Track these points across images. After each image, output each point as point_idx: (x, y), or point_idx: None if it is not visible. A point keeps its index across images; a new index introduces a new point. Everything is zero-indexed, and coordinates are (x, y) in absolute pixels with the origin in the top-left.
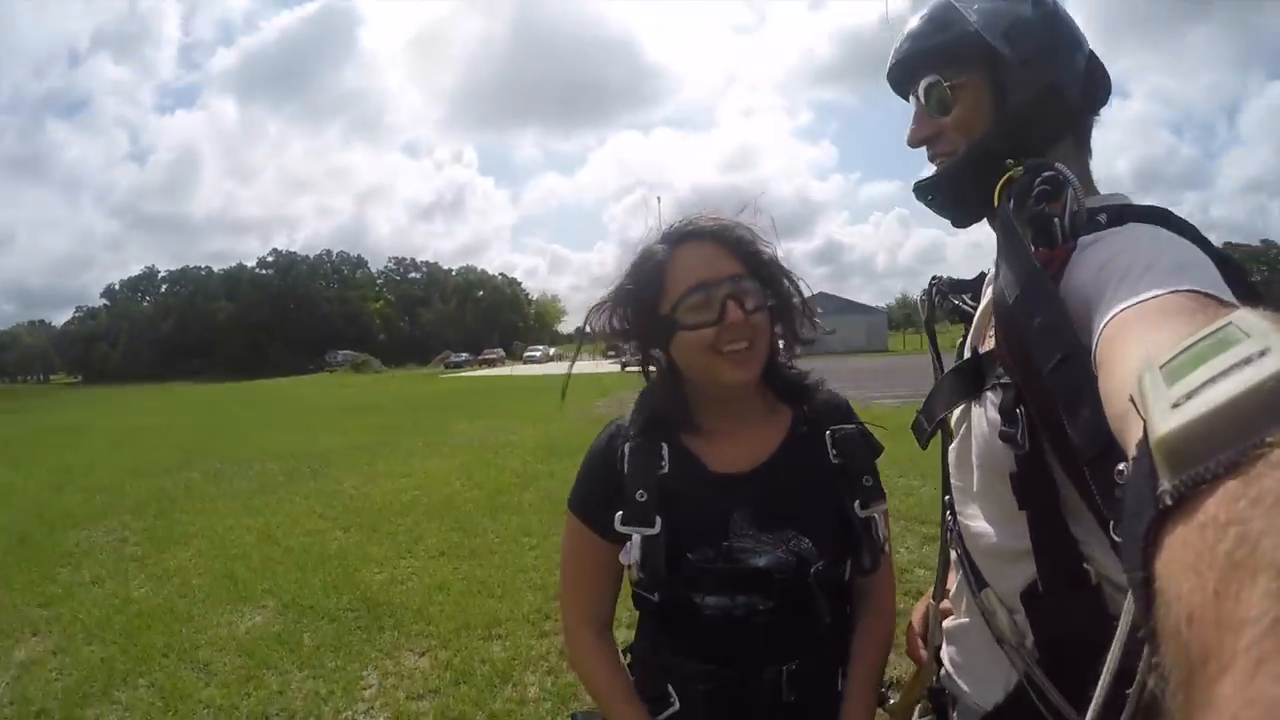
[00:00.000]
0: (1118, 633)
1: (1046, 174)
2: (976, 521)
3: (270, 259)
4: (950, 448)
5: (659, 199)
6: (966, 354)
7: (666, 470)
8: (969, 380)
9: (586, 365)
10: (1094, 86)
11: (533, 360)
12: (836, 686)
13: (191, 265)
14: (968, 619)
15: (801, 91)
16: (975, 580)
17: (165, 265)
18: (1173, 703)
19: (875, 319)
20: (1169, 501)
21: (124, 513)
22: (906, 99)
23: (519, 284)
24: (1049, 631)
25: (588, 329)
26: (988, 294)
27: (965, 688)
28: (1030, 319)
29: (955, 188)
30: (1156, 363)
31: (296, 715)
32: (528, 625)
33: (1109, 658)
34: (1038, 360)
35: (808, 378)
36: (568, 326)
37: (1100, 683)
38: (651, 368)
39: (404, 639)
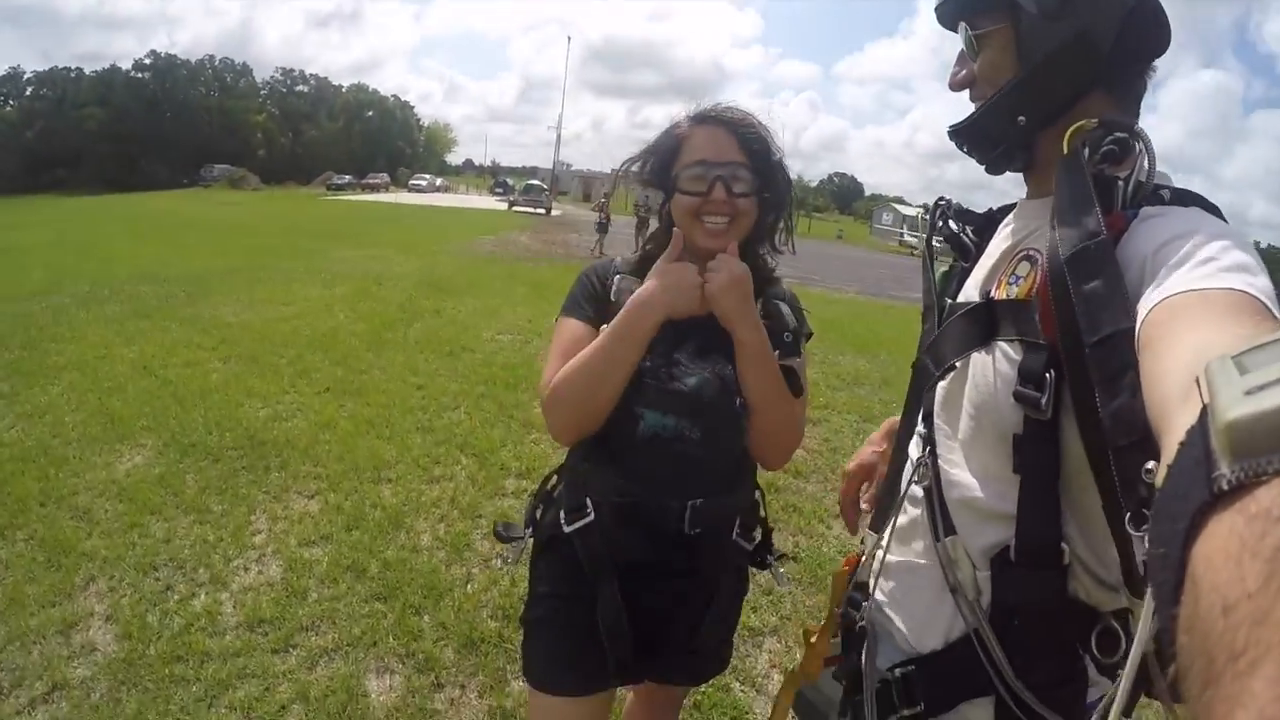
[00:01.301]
0: (1143, 618)
1: (1119, 134)
2: (957, 470)
3: (147, 61)
4: (940, 385)
5: (569, 39)
6: (976, 296)
7: None
8: (981, 327)
9: (475, 200)
10: (1139, 36)
11: (418, 189)
12: (731, 534)
13: (60, 66)
14: (922, 560)
15: None
16: (943, 525)
17: (32, 66)
18: (1192, 690)
19: None
20: (1225, 486)
21: None
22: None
23: (411, 108)
24: (1009, 597)
25: (620, 172)
26: (1002, 234)
27: (901, 626)
28: (1082, 282)
29: (980, 135)
30: (1229, 352)
31: (186, 565)
32: (417, 469)
33: (1135, 644)
34: (1082, 329)
35: (774, 271)
36: (457, 157)
37: (1127, 668)
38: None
39: (292, 480)
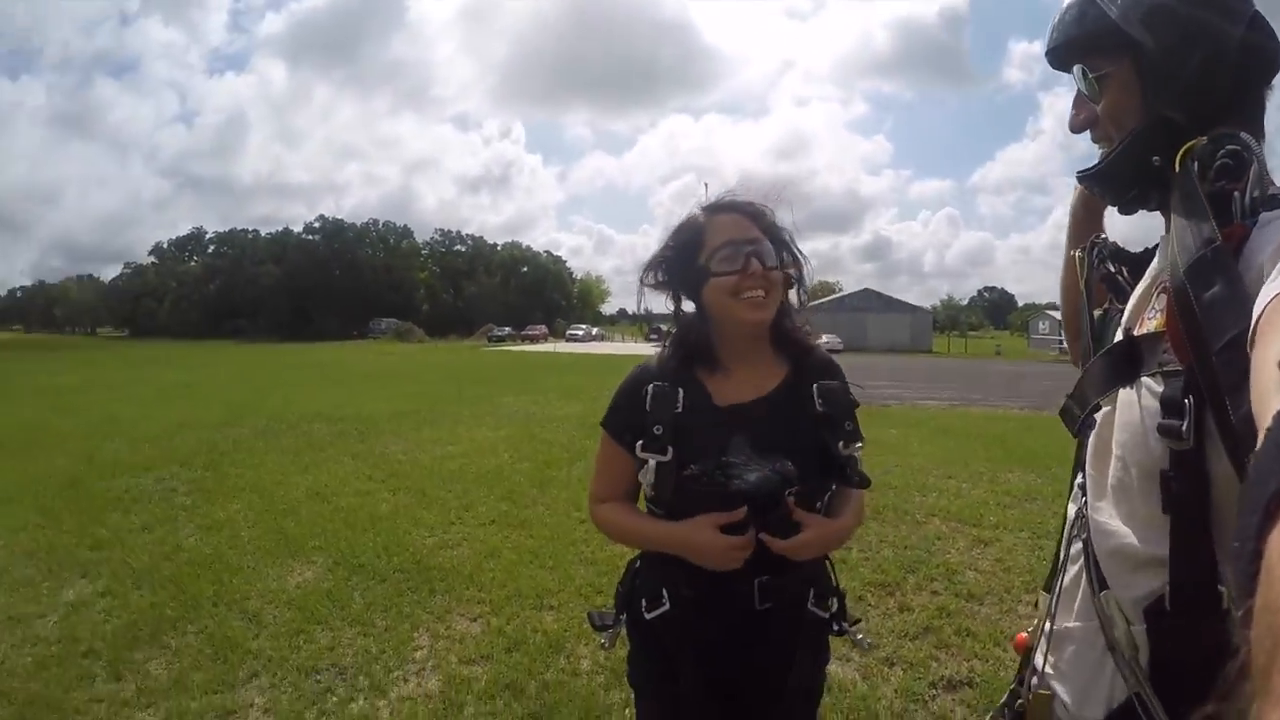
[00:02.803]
0: None
1: (1230, 147)
2: (1107, 519)
3: (317, 224)
4: (1090, 435)
5: (706, 185)
6: (1119, 336)
7: (680, 410)
8: (1123, 364)
9: (631, 346)
10: (1256, 60)
11: (575, 339)
12: (807, 603)
13: (239, 228)
14: (1079, 622)
15: (857, 82)
16: (1097, 581)
17: (213, 227)
18: (1256, 677)
19: (920, 318)
20: None
21: (173, 463)
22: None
23: (564, 262)
24: (1167, 652)
25: (641, 281)
26: (1149, 271)
27: (1064, 697)
28: (1203, 291)
29: (1112, 179)
30: None
31: (347, 671)
32: (580, 598)
33: None
34: (1209, 338)
35: (809, 337)
36: (610, 308)
37: None
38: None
39: (455, 604)
